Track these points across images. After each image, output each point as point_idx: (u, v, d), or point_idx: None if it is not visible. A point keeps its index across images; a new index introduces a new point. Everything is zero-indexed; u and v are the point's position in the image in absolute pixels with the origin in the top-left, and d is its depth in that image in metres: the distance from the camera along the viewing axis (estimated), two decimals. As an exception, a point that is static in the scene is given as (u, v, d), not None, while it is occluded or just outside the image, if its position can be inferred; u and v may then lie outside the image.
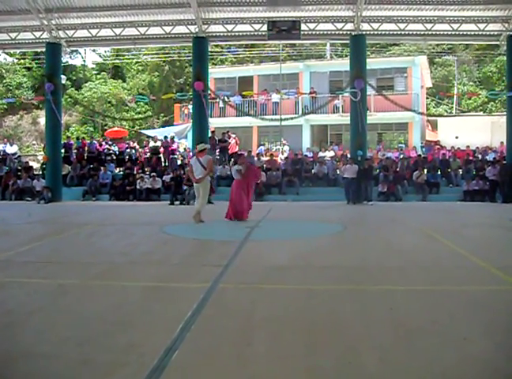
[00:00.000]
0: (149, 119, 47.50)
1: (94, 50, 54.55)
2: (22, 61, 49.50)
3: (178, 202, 20.63)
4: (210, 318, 4.82)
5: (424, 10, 21.44)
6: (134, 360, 3.74)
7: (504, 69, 27.38)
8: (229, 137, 26.20)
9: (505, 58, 23.80)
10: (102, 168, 24.41)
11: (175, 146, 26.81)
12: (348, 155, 22.79)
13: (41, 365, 3.68)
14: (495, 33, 22.50)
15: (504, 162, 21.83)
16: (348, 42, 22.90)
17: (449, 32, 22.46)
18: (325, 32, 22.80)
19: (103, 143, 28.22)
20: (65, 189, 23.35)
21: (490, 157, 25.12)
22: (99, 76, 52.11)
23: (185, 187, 20.92)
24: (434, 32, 22.51)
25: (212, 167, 13.36)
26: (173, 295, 5.74)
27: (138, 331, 4.44)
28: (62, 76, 25.73)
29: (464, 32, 22.58)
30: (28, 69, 49.82)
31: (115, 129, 37.24)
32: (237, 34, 23.03)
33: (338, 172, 23.39)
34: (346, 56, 30.01)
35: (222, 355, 3.88)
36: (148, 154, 26.67)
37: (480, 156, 25.95)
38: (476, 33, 22.51)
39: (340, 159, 25.97)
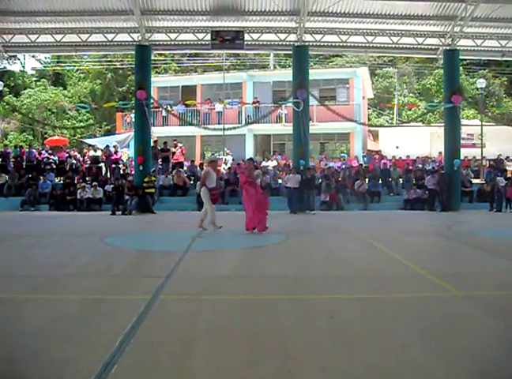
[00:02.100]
0: (91, 128, 46.76)
1: (34, 56, 53.43)
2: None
3: (119, 212, 20.29)
4: (150, 330, 4.74)
5: (365, 23, 21.92)
6: (70, 376, 3.64)
7: (442, 82, 28.15)
8: (175, 146, 26.03)
9: (442, 71, 24.53)
10: (41, 177, 23.80)
11: (118, 155, 26.42)
12: (291, 165, 22.96)
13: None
14: (433, 47, 23.25)
15: (442, 171, 22.41)
16: (291, 52, 23.12)
17: (390, 45, 23.04)
18: (269, 43, 22.97)
19: (43, 152, 27.54)
20: (1, 200, 22.69)
21: (429, 167, 25.73)
22: (38, 83, 50.98)
23: (127, 197, 20.61)
24: (375, 45, 23.04)
25: (203, 178, 13.18)
26: (113, 308, 5.61)
27: (75, 346, 4.31)
28: (0, 83, 25.04)
29: (404, 45, 23.22)
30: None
31: (56, 137, 36.46)
32: (180, 43, 22.92)
33: (281, 182, 23.51)
34: (289, 66, 30.29)
35: (162, 368, 3.82)
36: (89, 163, 26.17)
37: (419, 166, 26.58)
38: (415, 47, 23.20)
39: (282, 169, 26.15)
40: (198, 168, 24.95)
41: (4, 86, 39.03)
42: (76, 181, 23.83)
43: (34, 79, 53.65)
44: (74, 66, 51.73)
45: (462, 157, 23.66)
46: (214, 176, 13.05)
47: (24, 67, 54.69)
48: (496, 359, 3.99)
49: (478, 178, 26.22)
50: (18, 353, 4.14)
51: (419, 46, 23.15)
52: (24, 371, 3.75)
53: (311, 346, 4.32)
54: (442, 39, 22.64)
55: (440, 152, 25.97)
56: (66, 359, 3.95)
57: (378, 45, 23.17)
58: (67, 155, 27.30)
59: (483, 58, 30.76)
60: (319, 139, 34.14)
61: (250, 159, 14.20)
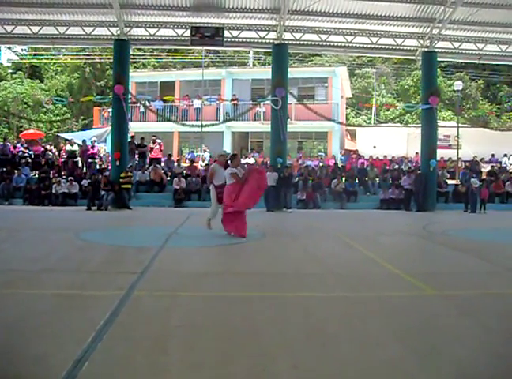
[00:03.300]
0: (68, 122, 46.27)
1: (10, 48, 52.65)
2: None
3: (95, 207, 20.12)
4: (124, 326, 4.70)
5: (345, 23, 22.00)
6: (41, 373, 3.59)
7: (420, 83, 28.37)
8: (154, 142, 25.90)
9: (420, 72, 24.73)
10: (16, 171, 23.50)
11: (94, 150, 26.19)
12: (268, 163, 22.98)
13: None
14: (412, 48, 23.44)
15: (419, 172, 22.60)
16: (270, 50, 23.12)
17: (369, 45, 23.18)
18: (248, 40, 22.94)
19: (18, 145, 27.19)
20: (-25, 193, 22.37)
21: (405, 167, 25.93)
22: (15, 76, 50.30)
23: (103, 192, 20.45)
24: (354, 45, 23.16)
25: (209, 176, 12.20)
26: (86, 303, 5.55)
27: (47, 341, 4.26)
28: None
29: (383, 46, 23.38)
30: None
31: (31, 131, 36.01)
32: (160, 38, 22.77)
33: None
34: (268, 64, 30.25)
35: (135, 364, 3.79)
36: (65, 158, 25.91)
37: (396, 166, 26.77)
38: (394, 47, 23.37)
39: (260, 167, 26.13)
40: (176, 164, 24.88)
41: (-21, 78, 38.47)
42: (51, 176, 23.58)
43: (10, 71, 52.89)
44: (52, 59, 51.13)
45: (438, 158, 23.95)
46: (223, 172, 11.83)
47: (0, 59, 53.93)
48: (470, 358, 4.01)
49: (453, 179, 26.48)
50: (-12, 348, 4.08)
51: (398, 47, 23.35)
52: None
53: (286, 343, 4.31)
54: (421, 41, 22.84)
55: (417, 153, 26.19)
56: (37, 355, 3.90)
57: (358, 45, 23.29)
58: (43, 149, 27.00)
59: (460, 61, 31.03)
60: (297, 137, 34.23)
61: (234, 154, 13.09)
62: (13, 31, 22.20)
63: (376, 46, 23.16)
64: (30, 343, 4.21)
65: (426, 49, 22.69)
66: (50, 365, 3.72)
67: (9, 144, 27.18)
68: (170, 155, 27.05)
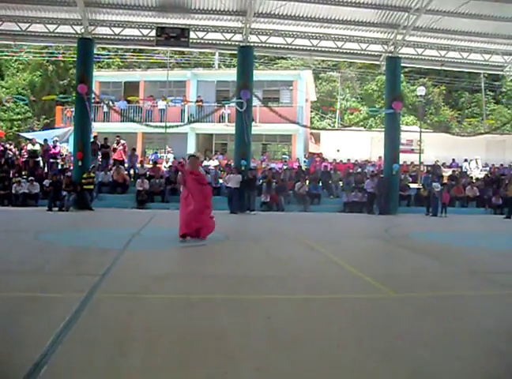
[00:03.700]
0: (29, 121, 45.47)
1: (-32, 44, 51.52)
2: None
3: (56, 208, 19.80)
4: (84, 329, 4.63)
5: (311, 27, 22.18)
6: (-2, 376, 3.50)
7: (384, 88, 28.72)
8: (118, 143, 25.62)
9: (384, 77, 25.04)
10: (-26, 170, 23.01)
11: (56, 150, 25.79)
12: (232, 165, 22.96)
13: None
14: (376, 53, 23.76)
15: (382, 175, 22.85)
16: (236, 52, 23.13)
17: (334, 49, 23.42)
18: (214, 42, 22.93)
19: (-23, 143, 26.66)
20: None
21: (369, 170, 26.19)
22: (-26, 72, 49.29)
23: (64, 193, 20.15)
24: (319, 48, 23.39)
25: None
26: (45, 306, 5.44)
27: (4, 345, 4.16)
28: None
29: (348, 50, 23.65)
30: None
31: (-9, 129, 35.40)
32: (125, 38, 22.58)
33: (222, 181, 23.48)
34: (234, 66, 30.25)
35: (95, 368, 3.73)
36: (26, 157, 25.46)
37: (359, 169, 27.01)
38: (359, 52, 23.66)
39: (224, 169, 26.11)
40: (139, 165, 24.68)
41: None
42: (11, 176, 23.12)
43: (-31, 67, 51.78)
44: (13, 56, 50.18)
45: (401, 162, 24.29)
46: None
47: (-43, 55, 52.74)
48: (428, 360, 4.06)
49: (416, 182, 26.87)
50: None
51: (362, 52, 23.63)
52: None
53: (248, 346, 4.31)
54: (385, 46, 23.16)
55: (380, 157, 26.51)
56: (-6, 359, 3.81)
57: (323, 49, 23.51)
58: (2, 148, 26.49)
59: (423, 67, 31.47)
60: (261, 140, 34.31)
61: (193, 155, 12.62)
62: (-27, 27, 21.72)
63: (341, 50, 23.40)
64: (-14, 347, 4.12)
65: (390, 54, 23.02)
66: (7, 369, 3.64)
67: (-33, 142, 26.61)
68: (134, 150, 26.77)
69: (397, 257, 10.24)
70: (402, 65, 24.13)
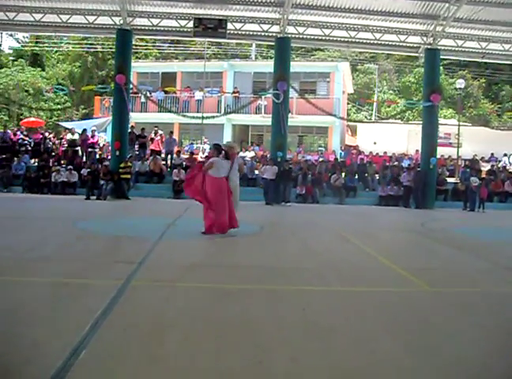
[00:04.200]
0: (68, 111, 46.18)
1: (11, 35, 52.51)
2: None
3: (94, 197, 20.11)
4: (121, 316, 4.70)
5: (349, 18, 21.94)
6: (38, 360, 3.58)
7: (422, 80, 28.33)
8: (156, 133, 25.84)
9: (423, 69, 24.68)
10: (15, 159, 23.47)
11: (94, 139, 26.14)
12: (268, 156, 22.95)
13: None
14: (415, 45, 23.37)
15: (419, 169, 22.57)
16: (273, 44, 23.05)
17: (372, 41, 23.12)
18: (251, 33, 22.87)
19: (18, 133, 27.15)
20: (-26, 180, 22.30)
21: (405, 164, 25.90)
22: (16, 63, 50.11)
23: (102, 182, 20.43)
24: (357, 40, 23.11)
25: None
26: (84, 292, 5.55)
27: (44, 329, 4.26)
28: (-25, 61, 24.53)
29: (386, 42, 23.32)
30: None
31: (32, 119, 35.95)
32: (162, 29, 22.71)
33: (257, 172, 23.51)
34: (271, 58, 30.18)
35: (132, 354, 3.79)
36: (66, 146, 25.88)
37: (396, 163, 26.73)
38: (397, 44, 23.31)
39: (260, 160, 26.12)
40: (175, 155, 24.83)
41: (-20, 64, 38.34)
42: (51, 164, 23.55)
43: (11, 58, 52.72)
44: (53, 47, 50.98)
45: (438, 156, 23.93)
46: (225, 165, 10.94)
47: (1, 46, 53.78)
48: (462, 354, 4.03)
49: (453, 177, 26.49)
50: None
51: (401, 44, 23.29)
52: (-9, 353, 3.69)
53: (282, 336, 4.32)
54: (424, 38, 22.77)
55: (417, 150, 26.17)
56: (34, 343, 3.90)
57: (361, 40, 23.24)
58: (41, 136, 26.96)
59: (463, 59, 30.94)
60: (298, 132, 34.19)
61: (216, 144, 11.82)
62: (16, 18, 22.09)
63: (379, 42, 23.11)
64: (27, 331, 4.21)
65: (429, 46, 22.62)
66: (47, 352, 3.72)
67: (9, 131, 27.17)
68: (171, 133, 26.90)
69: (432, 250, 10.12)
70: (441, 57, 23.72)
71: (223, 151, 10.81)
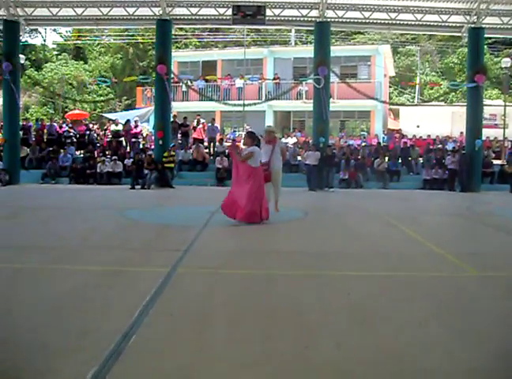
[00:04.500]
0: (111, 102, 46.85)
1: (55, 30, 53.49)
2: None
3: (139, 186, 20.38)
4: (169, 302, 4.79)
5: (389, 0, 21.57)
6: (90, 345, 3.68)
7: (465, 61, 27.73)
8: (198, 122, 26.04)
9: (466, 49, 24.13)
10: (62, 151, 23.96)
11: (138, 130, 26.48)
12: (311, 142, 22.87)
13: (-7, 350, 3.59)
14: (458, 25, 22.75)
15: (463, 151, 22.16)
16: (312, 28, 22.85)
17: (413, 22, 22.62)
18: (291, 18, 22.68)
19: (64, 125, 27.70)
20: (23, 172, 22.78)
21: (450, 146, 25.48)
22: (60, 57, 51.07)
23: (146, 171, 20.70)
24: (398, 22, 22.63)
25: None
26: (131, 280, 5.67)
27: (94, 316, 4.38)
28: (21, 56, 25.02)
29: (428, 23, 22.76)
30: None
31: (76, 111, 36.63)
32: (201, 17, 22.73)
33: (300, 158, 23.45)
34: (310, 43, 29.96)
35: (180, 340, 3.86)
36: (110, 137, 26.30)
37: (440, 146, 26.31)
38: (439, 24, 22.75)
39: (302, 146, 26.04)
40: (218, 143, 24.95)
41: (25, 60, 39.04)
42: (96, 155, 23.98)
43: (55, 53, 53.73)
44: (95, 40, 51.69)
45: (484, 137, 23.38)
46: (266, 150, 11.06)
47: (45, 41, 54.83)
48: (512, 340, 3.98)
49: (499, 159, 25.91)
50: (39, 322, 4.21)
51: (443, 24, 22.71)
52: (45, 339, 3.81)
53: (328, 322, 4.34)
54: (467, 17, 22.18)
55: (461, 132, 25.69)
56: (85, 329, 4.00)
57: (402, 22, 22.76)
58: (86, 127, 27.43)
59: (508, 37, 30.12)
60: (339, 116, 33.95)
61: (250, 132, 11.60)
62: (58, 14, 22.48)
63: (420, 23, 22.60)
64: (78, 317, 4.34)
65: (472, 25, 22.01)
66: (97, 338, 3.82)
67: (55, 124, 27.71)
68: (213, 120, 27.04)
69: (479, 234, 9.97)
70: (485, 35, 23.08)
71: (258, 138, 10.74)
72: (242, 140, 11.57)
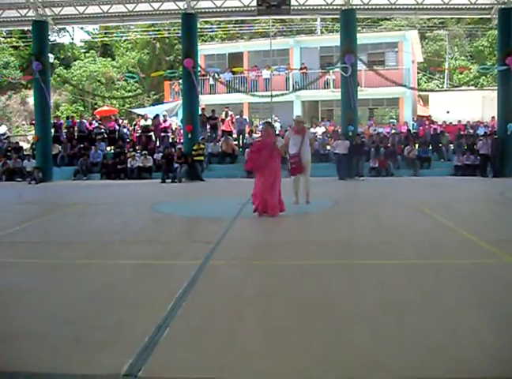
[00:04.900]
0: (139, 97, 47.16)
1: (82, 28, 53.97)
2: (8, 39, 48.71)
3: (169, 180, 20.53)
4: (201, 295, 4.84)
5: (415, -17, 21.27)
6: (125, 338, 3.75)
7: (495, 43, 27.23)
8: (226, 114, 26.11)
9: (496, 31, 23.67)
10: (93, 147, 24.24)
11: (167, 124, 26.65)
12: (340, 131, 22.74)
13: (31, 345, 3.67)
14: (487, 6, 22.28)
15: (495, 136, 21.80)
16: (338, 17, 22.65)
17: (441, 6, 22.23)
18: (316, 7, 22.51)
19: (93, 122, 28.01)
20: (55, 169, 23.16)
21: (481, 132, 25.09)
22: (87, 55, 51.50)
23: (176, 165, 20.84)
24: (425, 6, 22.26)
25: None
26: (164, 273, 5.75)
27: (129, 309, 4.45)
28: (50, 55, 25.41)
29: (456, 6, 22.33)
30: (15, 47, 48.96)
31: (105, 108, 36.95)
32: (226, 10, 22.71)
33: (329, 148, 23.34)
34: (337, 31, 29.75)
35: (213, 331, 3.90)
36: (139, 132, 26.51)
37: (471, 131, 25.93)
38: (468, 7, 22.31)
39: (331, 135, 25.91)
40: (247, 135, 24.98)
41: (54, 58, 39.60)
42: (126, 151, 24.21)
43: (83, 51, 54.19)
44: (122, 37, 52.05)
45: (516, 121, 22.97)
46: (295, 141, 10.98)
47: (73, 39, 55.34)
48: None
49: (533, 142, 25.42)
50: (75, 315, 4.29)
51: (471, 6, 22.25)
52: (81, 332, 3.88)
53: (360, 311, 4.33)
54: (497, -3, 21.75)
55: (493, 117, 25.25)
56: (120, 322, 4.08)
57: (429, 6, 22.39)
58: (115, 123, 27.70)
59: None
60: (368, 104, 33.67)
61: (267, 122, 11.57)
62: (85, 12, 22.72)
63: (448, 6, 22.18)
64: (112, 310, 4.42)
65: (503, 6, 21.48)
66: (133, 330, 3.89)
67: (85, 121, 28.01)
68: (242, 112, 27.08)
69: (513, 220, 9.84)
70: (517, 16, 22.68)
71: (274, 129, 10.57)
72: (261, 132, 11.37)
